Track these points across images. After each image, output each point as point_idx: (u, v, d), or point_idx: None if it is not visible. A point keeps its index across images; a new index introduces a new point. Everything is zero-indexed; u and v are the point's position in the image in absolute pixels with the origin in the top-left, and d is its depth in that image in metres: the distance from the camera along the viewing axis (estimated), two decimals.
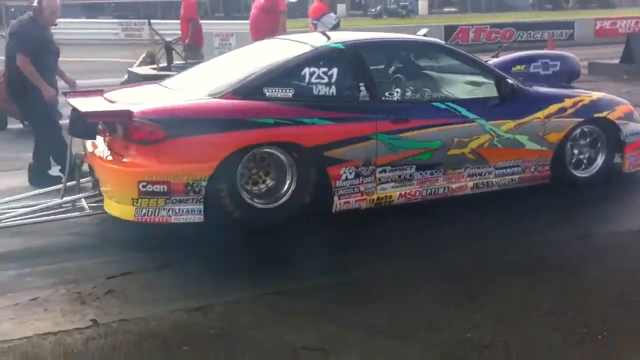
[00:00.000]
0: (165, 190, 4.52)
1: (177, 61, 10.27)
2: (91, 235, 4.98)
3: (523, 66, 6.29)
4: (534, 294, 3.91)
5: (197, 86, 5.20)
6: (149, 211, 4.54)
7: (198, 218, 4.62)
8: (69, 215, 5.01)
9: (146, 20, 27.91)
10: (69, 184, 5.26)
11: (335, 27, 9.31)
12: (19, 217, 4.88)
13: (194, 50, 11.21)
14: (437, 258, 4.49)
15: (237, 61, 5.73)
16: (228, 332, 3.51)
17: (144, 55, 11.32)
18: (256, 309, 3.77)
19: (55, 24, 6.36)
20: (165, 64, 9.83)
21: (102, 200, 4.92)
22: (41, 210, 4.97)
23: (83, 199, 5.06)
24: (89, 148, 5.15)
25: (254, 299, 3.87)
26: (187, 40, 11.31)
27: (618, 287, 4.02)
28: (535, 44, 19.48)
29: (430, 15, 42.96)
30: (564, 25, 23.49)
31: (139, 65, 11.04)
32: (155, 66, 9.77)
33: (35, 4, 6.19)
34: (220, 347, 3.36)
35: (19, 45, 6.07)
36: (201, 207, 4.60)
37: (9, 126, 9.12)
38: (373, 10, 40.63)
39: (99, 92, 5.51)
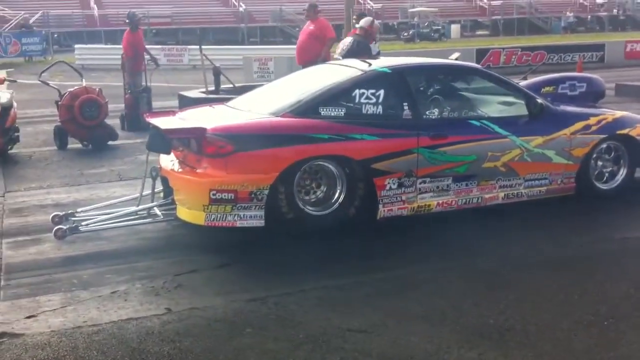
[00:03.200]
0: (232, 197, 5.12)
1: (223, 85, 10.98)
2: (158, 240, 5.59)
3: (552, 87, 6.91)
4: (550, 288, 4.43)
5: (259, 106, 5.86)
6: (217, 216, 5.16)
7: (259, 222, 5.20)
8: (143, 221, 5.63)
9: (188, 46, 28.97)
10: (144, 193, 5.85)
11: (378, 55, 9.93)
12: (100, 223, 5.52)
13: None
14: (465, 259, 5.01)
15: (294, 84, 6.39)
16: (282, 317, 4.06)
17: None
18: (306, 300, 4.31)
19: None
20: (213, 88, 10.52)
21: (173, 209, 5.54)
22: (119, 217, 5.62)
23: (156, 208, 5.68)
24: (164, 162, 5.79)
25: (304, 292, 4.42)
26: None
27: (625, 284, 4.50)
28: (566, 66, 19.87)
29: (463, 38, 43.39)
30: (594, 48, 23.79)
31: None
32: (205, 89, 10.46)
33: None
34: (278, 328, 3.91)
35: None
36: (262, 212, 5.19)
37: (69, 146, 9.82)
38: (405, 34, 41.19)
39: (172, 112, 6.23)
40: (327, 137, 5.34)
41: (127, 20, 12.11)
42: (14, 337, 3.87)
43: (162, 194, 5.92)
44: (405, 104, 5.66)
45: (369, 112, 5.57)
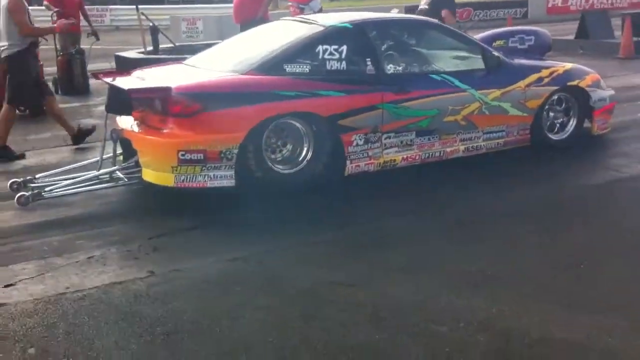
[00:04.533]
0: (202, 158, 5.04)
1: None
2: (121, 204, 5.50)
3: (502, 41, 7.00)
4: (521, 236, 4.61)
5: (221, 64, 5.74)
6: (187, 177, 5.07)
7: (230, 182, 5.16)
8: (107, 185, 5.50)
9: (109, 6, 28.03)
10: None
11: (321, 11, 9.87)
12: (64, 189, 5.38)
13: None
14: (442, 210, 5.14)
15: (254, 41, 6.28)
16: (269, 275, 4.08)
17: None
18: (288, 256, 4.34)
19: None
20: (151, 48, 10.26)
21: (134, 172, 5.42)
22: (82, 181, 5.46)
23: (118, 171, 5.53)
24: (123, 124, 5.61)
25: (284, 249, 4.44)
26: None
27: (590, 229, 4.73)
28: (493, 22, 20.26)
29: None
30: (518, 4, 24.35)
31: None
32: (142, 50, 10.19)
33: None
34: (266, 285, 3.93)
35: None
36: (232, 172, 5.14)
37: None
38: None
39: (126, 72, 6.02)
40: (294, 94, 5.32)
41: None
42: None
43: (120, 157, 5.76)
44: (367, 59, 5.68)
45: (333, 68, 5.55)
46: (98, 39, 11.47)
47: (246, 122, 5.16)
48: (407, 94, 5.68)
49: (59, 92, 10.85)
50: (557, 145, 6.54)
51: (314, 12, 9.58)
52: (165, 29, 13.83)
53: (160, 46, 10.67)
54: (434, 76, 5.96)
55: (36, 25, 7.33)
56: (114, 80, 5.56)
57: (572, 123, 6.63)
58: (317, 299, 3.76)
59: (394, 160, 5.75)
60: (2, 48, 7.10)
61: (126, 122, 5.59)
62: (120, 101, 5.35)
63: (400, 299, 3.74)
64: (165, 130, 5.15)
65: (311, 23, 6.04)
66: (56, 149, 7.42)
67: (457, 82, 5.95)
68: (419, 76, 5.99)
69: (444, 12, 8.58)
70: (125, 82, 5.45)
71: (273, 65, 5.45)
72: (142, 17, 9.73)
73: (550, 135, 6.55)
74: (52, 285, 4.00)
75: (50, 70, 10.98)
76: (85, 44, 11.60)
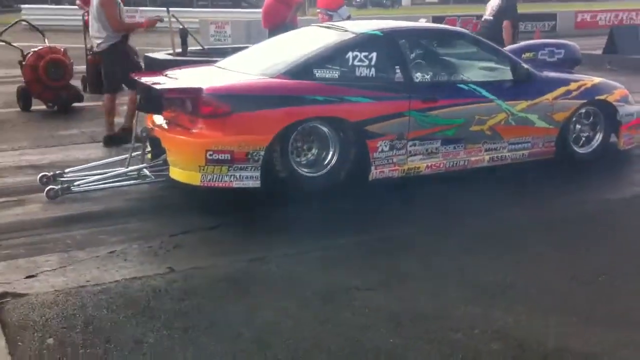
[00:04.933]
0: (229, 158, 5.10)
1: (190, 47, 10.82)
2: (145, 201, 5.55)
3: (532, 53, 6.99)
4: (542, 248, 4.58)
5: (251, 68, 5.80)
6: (213, 177, 5.13)
7: (255, 183, 5.20)
8: (135, 182, 5.60)
9: (140, 7, 28.32)
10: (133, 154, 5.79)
11: (349, 18, 9.91)
12: (91, 184, 5.47)
13: None
14: (458, 220, 5.12)
15: (285, 46, 6.33)
16: (287, 276, 4.10)
17: None
18: (306, 259, 4.36)
19: None
20: (180, 50, 10.35)
21: (163, 170, 5.49)
22: (110, 177, 5.55)
23: (145, 169, 5.61)
24: (154, 123, 5.69)
25: (303, 252, 4.46)
26: None
27: (612, 243, 4.70)
28: (521, 35, 20.15)
29: (414, 6, 43.51)
30: (547, 17, 24.20)
31: None
32: (172, 51, 10.28)
33: None
34: (285, 287, 3.96)
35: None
36: (258, 173, 5.18)
37: (32, 107, 9.58)
38: (358, 0, 41.10)
39: (159, 72, 6.10)
40: (322, 99, 5.37)
41: None
42: (17, 297, 3.81)
43: (149, 155, 5.83)
44: (397, 67, 5.71)
45: (362, 75, 5.59)
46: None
47: (274, 124, 5.21)
48: (434, 102, 5.70)
49: (87, 90, 10.96)
50: (582, 159, 6.51)
51: (343, 19, 9.64)
52: (194, 32, 13.96)
53: (189, 49, 10.75)
54: (461, 86, 5.98)
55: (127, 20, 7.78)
56: (147, 79, 5.63)
57: (599, 137, 6.59)
58: (333, 302, 3.77)
59: (418, 167, 5.77)
60: (98, 42, 7.48)
61: (157, 121, 5.68)
62: (152, 100, 5.43)
63: (417, 305, 3.74)
64: (194, 130, 5.21)
65: (342, 30, 6.08)
66: (82, 145, 7.49)
67: (484, 92, 5.96)
68: (446, 85, 6.02)
69: (504, 23, 8.89)
70: (158, 82, 5.53)
71: (303, 69, 5.50)
72: (173, 19, 9.81)
73: (576, 149, 6.52)
74: (73, 278, 4.06)
75: (80, 68, 11.14)
76: None
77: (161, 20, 8.27)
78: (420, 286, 3.99)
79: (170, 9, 11.26)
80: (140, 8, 29.17)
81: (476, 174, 6.02)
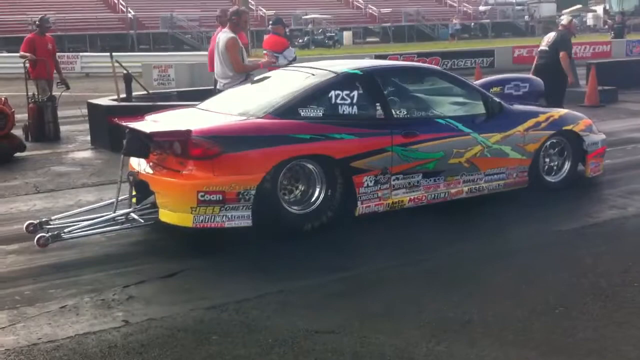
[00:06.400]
0: (221, 198, 5.16)
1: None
2: (95, 252, 5.39)
3: (499, 87, 7.27)
4: (503, 280, 4.64)
5: (235, 108, 5.93)
6: (205, 218, 5.18)
7: (247, 222, 5.27)
8: (123, 227, 5.54)
9: (80, 53, 28.09)
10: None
11: (294, 60, 9.97)
12: (81, 230, 5.40)
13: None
14: (416, 256, 5.14)
15: (265, 87, 6.51)
16: (246, 323, 4.03)
17: None
18: (266, 304, 4.29)
19: None
20: (124, 95, 10.25)
21: (149, 213, 5.52)
22: (99, 223, 5.49)
23: (133, 213, 5.56)
24: (138, 166, 5.73)
25: (263, 297, 4.39)
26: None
27: (567, 273, 4.76)
28: (460, 71, 20.64)
29: (355, 45, 44.21)
30: (485, 54, 24.88)
31: None
32: (115, 97, 10.17)
33: None
34: (244, 334, 3.88)
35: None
36: (250, 212, 5.25)
37: None
38: (300, 40, 41.57)
39: (140, 116, 6.13)
40: (309, 137, 5.48)
41: (37, 23, 11.70)
42: None
43: (134, 200, 5.78)
44: (377, 104, 5.88)
45: (345, 112, 5.74)
46: (68, 88, 11.46)
47: (264, 164, 5.30)
48: (415, 137, 5.86)
49: (29, 139, 10.74)
50: (553, 187, 6.76)
51: (288, 61, 9.69)
52: (137, 76, 13.85)
53: (134, 93, 10.66)
54: (439, 120, 6.15)
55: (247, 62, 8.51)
56: (132, 124, 5.65)
57: (567, 166, 6.85)
58: (295, 347, 3.72)
59: (402, 201, 5.89)
60: (224, 82, 8.25)
61: (140, 165, 5.71)
62: (139, 144, 5.47)
63: (380, 346, 3.72)
64: (184, 172, 5.27)
65: (322, 70, 6.21)
66: (26, 196, 7.29)
67: (461, 126, 6.15)
68: (425, 120, 6.18)
69: (561, 54, 9.54)
70: (145, 126, 5.58)
71: (288, 109, 5.62)
72: (116, 64, 9.74)
73: (547, 178, 6.76)
74: (24, 336, 3.91)
75: (20, 117, 10.93)
76: (55, 91, 11.56)
77: (274, 62, 9.06)
78: (381, 326, 3.96)
79: (113, 53, 11.21)
80: (81, 53, 28.96)
81: (431, 207, 6.09)
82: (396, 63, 7.88)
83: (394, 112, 5.98)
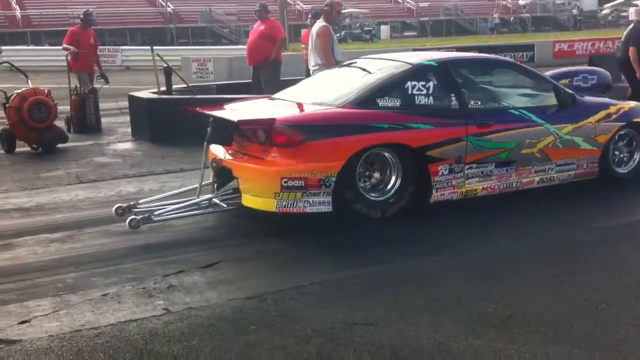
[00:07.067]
0: (303, 185, 5.34)
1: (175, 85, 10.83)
2: (133, 241, 5.42)
3: (568, 80, 7.31)
4: (544, 276, 4.57)
5: (313, 98, 6.11)
6: (288, 203, 5.37)
7: (327, 208, 5.44)
8: (206, 211, 5.78)
9: (121, 47, 28.47)
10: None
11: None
12: (170, 213, 5.65)
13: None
14: (456, 251, 5.12)
15: (342, 77, 6.64)
16: (284, 314, 4.04)
17: None
18: (304, 295, 4.30)
19: None
20: (164, 88, 10.36)
21: (232, 198, 5.80)
22: (186, 207, 5.70)
23: (215, 198, 5.82)
24: (219, 154, 5.94)
25: (301, 288, 4.40)
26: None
27: (610, 270, 4.68)
28: None
29: (392, 39, 44.02)
30: (525, 48, 24.59)
31: None
32: (156, 90, 10.28)
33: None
34: (282, 325, 3.88)
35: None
36: (330, 199, 5.42)
37: (17, 149, 9.51)
38: (338, 35, 41.52)
39: (220, 105, 6.36)
40: (387, 127, 5.62)
41: (81, 17, 11.90)
42: (10, 344, 3.72)
43: (215, 185, 5.99)
44: (452, 94, 5.99)
45: (421, 103, 5.87)
46: (108, 82, 11.61)
47: (344, 152, 5.44)
48: (488, 127, 5.95)
49: (72, 130, 10.93)
50: (622, 178, 6.83)
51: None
52: (177, 70, 14.00)
53: (174, 86, 10.76)
54: (512, 111, 6.24)
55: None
56: (216, 113, 5.92)
57: (636, 157, 6.92)
58: (334, 339, 3.72)
59: (475, 190, 6.00)
60: (313, 69, 8.69)
61: (220, 152, 5.93)
62: (223, 132, 5.71)
63: (419, 339, 3.70)
64: (268, 159, 5.46)
65: (398, 61, 6.34)
66: (69, 186, 7.41)
67: (533, 117, 6.24)
68: (498, 111, 6.25)
69: (631, 49, 9.76)
70: (231, 115, 5.83)
71: (367, 99, 5.77)
72: (157, 58, 9.85)
73: (616, 169, 6.82)
74: (67, 323, 3.97)
75: (63, 109, 11.11)
76: (95, 84, 11.73)
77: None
78: (420, 319, 3.94)
79: (153, 47, 11.33)
80: (122, 47, 29.33)
81: (475, 203, 6.09)
82: (469, 55, 8.26)
83: (468, 103, 6.08)
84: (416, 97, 5.86)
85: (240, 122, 5.57)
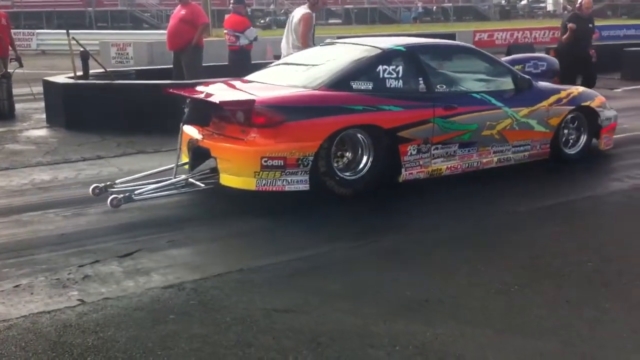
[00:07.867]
0: (282, 164, 5.54)
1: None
2: (48, 231, 5.29)
3: (521, 66, 7.75)
4: (462, 259, 4.67)
5: (288, 80, 6.28)
6: (267, 182, 5.56)
7: (305, 186, 5.67)
8: (183, 190, 5.89)
9: (36, 30, 27.48)
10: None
11: (255, 40, 9.89)
12: (150, 192, 5.69)
13: None
14: (373, 237, 5.14)
15: (314, 60, 6.76)
16: (204, 302, 3.99)
17: None
18: (224, 283, 4.25)
19: None
20: (81, 73, 10.06)
21: (208, 178, 5.92)
22: (164, 187, 5.78)
23: (191, 178, 5.92)
24: (194, 135, 6.04)
25: (221, 276, 4.36)
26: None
27: (522, 254, 4.82)
28: None
29: (317, 26, 43.95)
30: (446, 37, 24.88)
31: None
32: (72, 75, 9.97)
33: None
34: (202, 313, 3.85)
35: None
36: (307, 177, 5.64)
37: None
38: (262, 21, 41.28)
39: (193, 87, 6.56)
40: (362, 108, 5.89)
41: None
42: None
43: (186, 166, 6.14)
44: (420, 78, 6.27)
45: (391, 86, 6.14)
46: (21, 66, 11.20)
47: (321, 132, 5.68)
48: (454, 109, 6.28)
49: None
50: (571, 159, 7.27)
51: (250, 41, 9.62)
52: (95, 54, 13.58)
53: (91, 71, 10.47)
54: (474, 95, 6.59)
55: None
56: (195, 94, 6.04)
57: (583, 139, 7.36)
58: (253, 326, 3.71)
59: (440, 169, 6.32)
60: (288, 52, 8.60)
61: (194, 133, 6.03)
62: (201, 113, 5.85)
63: (339, 324, 3.72)
64: (248, 139, 5.60)
65: (369, 46, 6.57)
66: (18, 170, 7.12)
67: (493, 100, 6.61)
68: (462, 94, 6.56)
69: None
70: (211, 96, 5.90)
71: (341, 82, 6.00)
72: (73, 42, 9.54)
73: (565, 150, 7.24)
74: None
75: None
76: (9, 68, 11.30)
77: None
78: (339, 305, 3.97)
79: (70, 31, 10.98)
80: (37, 30, 28.34)
81: (401, 189, 6.23)
82: (434, 41, 8.73)
83: (434, 87, 6.33)
84: (387, 81, 6.11)
85: (222, 102, 5.67)
